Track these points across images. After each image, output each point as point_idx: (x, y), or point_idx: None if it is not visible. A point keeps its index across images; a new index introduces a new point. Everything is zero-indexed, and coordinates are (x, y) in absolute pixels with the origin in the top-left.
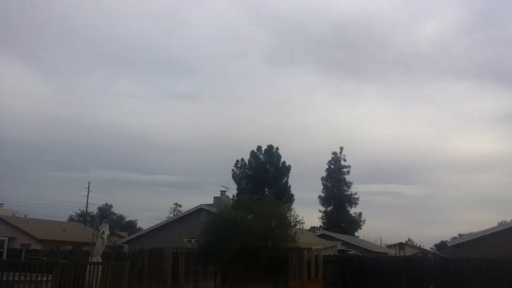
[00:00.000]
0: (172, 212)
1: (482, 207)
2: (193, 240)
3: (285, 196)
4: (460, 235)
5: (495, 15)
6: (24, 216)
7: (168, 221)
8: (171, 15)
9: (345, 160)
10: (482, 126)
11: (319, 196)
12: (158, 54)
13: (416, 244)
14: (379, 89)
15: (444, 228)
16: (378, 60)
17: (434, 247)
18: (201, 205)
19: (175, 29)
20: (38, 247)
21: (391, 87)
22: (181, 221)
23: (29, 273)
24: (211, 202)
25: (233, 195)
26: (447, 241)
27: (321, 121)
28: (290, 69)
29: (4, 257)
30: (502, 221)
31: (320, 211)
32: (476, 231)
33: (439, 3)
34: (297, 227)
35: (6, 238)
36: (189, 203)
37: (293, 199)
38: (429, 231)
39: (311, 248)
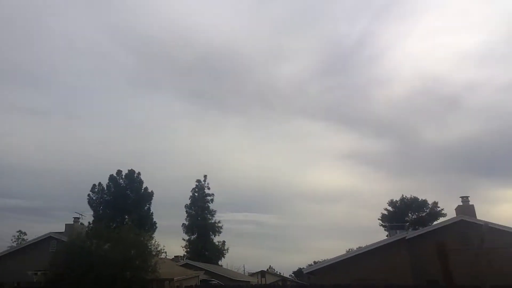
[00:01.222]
0: (15, 241)
1: (334, 236)
2: (39, 273)
3: (147, 224)
4: (315, 262)
5: (344, 64)
6: None
7: (9, 251)
8: (27, 24)
9: (209, 188)
10: (331, 162)
11: (183, 224)
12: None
13: (277, 272)
14: (242, 121)
15: (302, 256)
16: (240, 93)
17: (293, 274)
18: (50, 233)
19: (29, 39)
20: None
21: (253, 120)
22: (25, 251)
23: None
24: (63, 229)
25: (89, 222)
26: (303, 268)
27: (185, 148)
28: (154, 94)
29: None
30: (349, 249)
31: (184, 239)
32: (328, 258)
33: (297, 46)
34: (160, 256)
35: None
36: (36, 231)
37: (156, 227)
38: (288, 259)
39: (173, 279)
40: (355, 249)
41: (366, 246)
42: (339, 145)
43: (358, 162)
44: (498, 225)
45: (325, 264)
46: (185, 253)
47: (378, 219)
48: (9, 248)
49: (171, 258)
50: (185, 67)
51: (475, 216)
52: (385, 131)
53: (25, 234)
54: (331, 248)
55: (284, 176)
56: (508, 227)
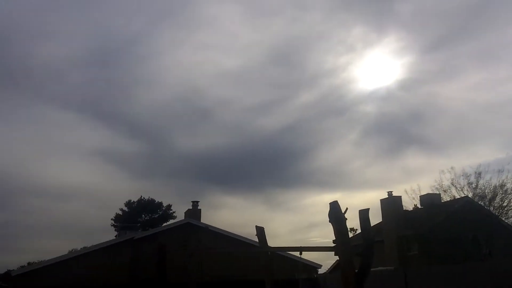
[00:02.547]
0: None
1: (60, 236)
2: None
3: None
4: (29, 263)
5: (113, 59)
6: None
7: None
8: None
9: None
10: (80, 157)
11: None
12: None
13: None
14: None
15: (17, 257)
16: None
17: None
18: None
19: None
20: None
21: None
22: None
23: None
24: None
25: None
26: (13, 270)
27: None
28: None
29: None
30: (72, 249)
31: None
32: (46, 259)
33: (64, 28)
34: None
35: None
36: None
37: None
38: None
39: None
40: (79, 249)
41: (91, 247)
42: (91, 140)
43: (107, 160)
44: (217, 228)
45: (41, 265)
46: None
47: (111, 219)
48: None
49: None
50: None
51: (201, 220)
52: (140, 132)
53: None
54: (54, 249)
55: (19, 168)
56: (224, 230)
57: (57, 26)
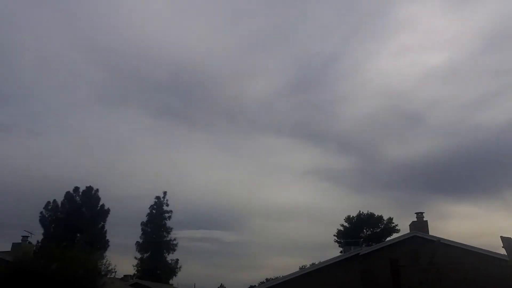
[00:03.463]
0: None
1: (288, 253)
2: None
3: (99, 243)
4: (267, 279)
5: (312, 81)
6: None
7: None
8: None
9: (167, 205)
10: (293, 178)
11: (137, 242)
12: None
13: None
14: (208, 137)
15: (255, 273)
16: (209, 109)
17: None
18: None
19: None
20: None
21: (219, 137)
22: None
23: None
24: (9, 249)
25: (37, 241)
26: (255, 286)
27: (148, 165)
28: (122, 110)
29: None
30: (302, 266)
31: (136, 258)
32: (281, 276)
33: (267, 64)
34: (108, 276)
35: None
36: None
37: (108, 245)
38: (241, 276)
39: None
40: (308, 266)
41: (320, 263)
42: (303, 161)
43: (320, 178)
44: (450, 241)
45: (277, 282)
46: (136, 272)
47: (334, 235)
48: None
49: (120, 277)
50: (154, 83)
51: (428, 232)
52: (348, 147)
53: None
54: (285, 265)
55: (245, 193)
56: (459, 243)
57: (260, 63)
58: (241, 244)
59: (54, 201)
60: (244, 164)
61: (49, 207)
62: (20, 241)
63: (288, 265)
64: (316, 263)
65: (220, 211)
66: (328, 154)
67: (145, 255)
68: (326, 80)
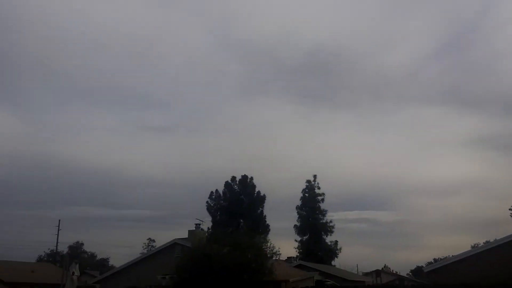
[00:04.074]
0: (145, 248)
1: (454, 231)
2: (167, 277)
3: (260, 227)
4: (435, 259)
5: (463, 40)
6: None
7: (141, 258)
8: (145, 48)
9: (319, 188)
10: (449, 151)
11: (295, 225)
12: (132, 88)
13: (392, 271)
14: (352, 116)
15: (419, 253)
16: (348, 88)
17: (410, 273)
18: (175, 239)
19: (149, 63)
20: None
21: (363, 114)
22: (154, 257)
23: None
24: (186, 236)
25: (208, 228)
26: (422, 266)
27: (294, 150)
28: (263, 99)
29: None
30: (475, 244)
31: (296, 240)
32: (450, 255)
33: (406, 29)
34: (274, 258)
35: None
36: (163, 238)
37: (269, 230)
38: (404, 257)
39: (289, 281)
40: (482, 244)
41: (496, 241)
42: (460, 131)
43: (484, 147)
44: None
45: (448, 262)
46: (298, 254)
47: (509, 209)
48: (141, 254)
49: (284, 259)
50: (292, 67)
51: None
52: None
53: (153, 241)
54: (452, 244)
55: (398, 170)
56: None
57: (398, 30)
58: (398, 224)
59: (216, 191)
60: (393, 140)
61: (213, 196)
62: (193, 228)
63: (457, 244)
64: (491, 240)
65: (373, 191)
66: (491, 119)
67: (304, 237)
68: (477, 36)
